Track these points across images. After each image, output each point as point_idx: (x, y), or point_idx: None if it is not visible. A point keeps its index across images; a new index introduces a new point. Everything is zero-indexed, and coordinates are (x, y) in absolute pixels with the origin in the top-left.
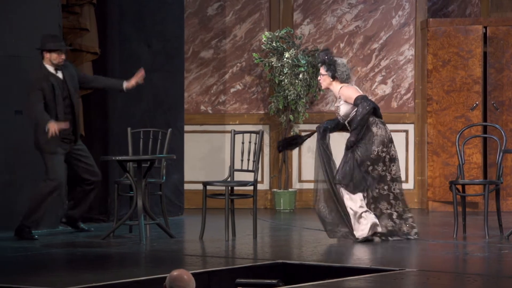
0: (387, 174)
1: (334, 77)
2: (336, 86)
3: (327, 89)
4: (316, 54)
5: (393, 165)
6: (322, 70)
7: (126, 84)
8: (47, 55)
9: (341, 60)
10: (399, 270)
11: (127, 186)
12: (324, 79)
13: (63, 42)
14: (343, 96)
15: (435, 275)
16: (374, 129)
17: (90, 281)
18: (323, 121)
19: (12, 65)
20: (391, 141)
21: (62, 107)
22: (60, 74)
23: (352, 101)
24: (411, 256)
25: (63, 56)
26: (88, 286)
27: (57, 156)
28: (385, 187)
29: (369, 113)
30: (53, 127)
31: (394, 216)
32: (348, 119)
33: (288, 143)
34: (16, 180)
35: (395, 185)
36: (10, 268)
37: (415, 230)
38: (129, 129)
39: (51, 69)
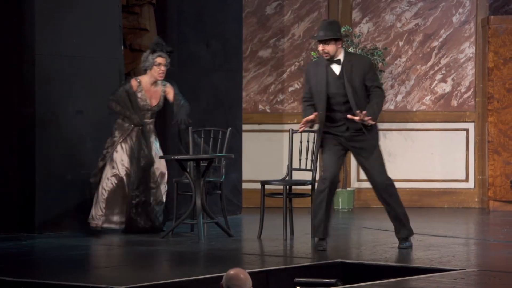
0: None
1: None
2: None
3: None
4: (160, 43)
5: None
6: (166, 62)
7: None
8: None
9: None
10: (460, 270)
11: (186, 185)
12: (165, 71)
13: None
14: (172, 92)
15: (496, 275)
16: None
17: (150, 279)
18: (382, 119)
19: (73, 65)
20: None
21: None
22: (336, 68)
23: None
24: (472, 256)
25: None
26: (148, 284)
27: (328, 151)
28: None
29: None
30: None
31: None
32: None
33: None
34: (74, 179)
35: None
36: (71, 266)
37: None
38: (190, 128)
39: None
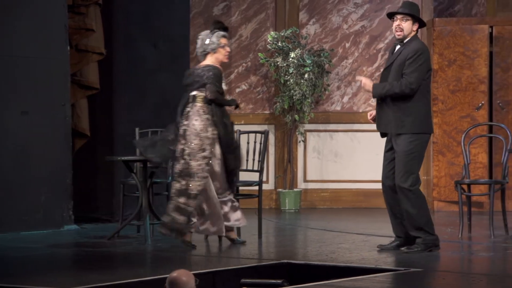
0: None
1: None
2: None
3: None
4: (220, 21)
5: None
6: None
7: None
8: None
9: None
10: (405, 270)
11: (133, 186)
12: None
13: None
14: None
15: (440, 275)
16: None
17: (95, 281)
18: (328, 120)
19: (18, 66)
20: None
21: None
22: (396, 51)
23: None
24: (417, 256)
25: None
26: (93, 286)
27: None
28: None
29: None
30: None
31: None
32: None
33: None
34: (19, 180)
35: None
36: (16, 268)
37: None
38: (137, 129)
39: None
